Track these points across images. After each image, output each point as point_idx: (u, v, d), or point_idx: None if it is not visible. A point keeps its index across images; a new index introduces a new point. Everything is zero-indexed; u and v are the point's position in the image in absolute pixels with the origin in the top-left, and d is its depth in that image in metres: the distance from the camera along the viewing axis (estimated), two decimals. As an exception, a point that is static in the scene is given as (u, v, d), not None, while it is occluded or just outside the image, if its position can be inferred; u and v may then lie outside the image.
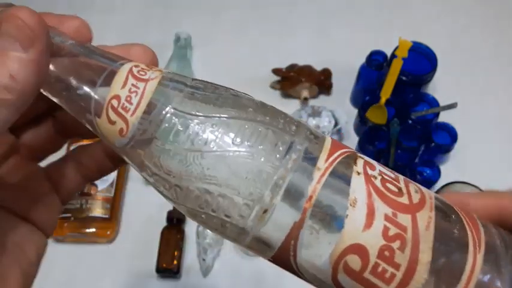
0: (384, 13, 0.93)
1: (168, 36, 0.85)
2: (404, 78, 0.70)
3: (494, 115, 0.80)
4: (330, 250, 0.19)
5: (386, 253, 0.18)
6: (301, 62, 0.82)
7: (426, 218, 0.19)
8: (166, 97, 0.20)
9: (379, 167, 0.20)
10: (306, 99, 0.80)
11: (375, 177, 0.19)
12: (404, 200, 0.19)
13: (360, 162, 0.20)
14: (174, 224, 0.68)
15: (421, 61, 0.73)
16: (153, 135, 0.19)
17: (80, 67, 0.20)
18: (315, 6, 0.95)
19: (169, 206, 0.69)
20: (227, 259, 0.67)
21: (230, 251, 0.68)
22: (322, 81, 0.81)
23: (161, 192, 0.20)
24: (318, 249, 0.19)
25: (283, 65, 0.83)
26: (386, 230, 0.18)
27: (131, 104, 0.19)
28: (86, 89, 0.20)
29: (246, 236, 0.20)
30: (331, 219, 0.19)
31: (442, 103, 0.72)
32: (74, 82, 0.20)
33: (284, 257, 0.20)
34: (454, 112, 0.70)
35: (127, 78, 0.19)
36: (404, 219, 0.19)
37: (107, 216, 0.68)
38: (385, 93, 0.70)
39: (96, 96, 0.20)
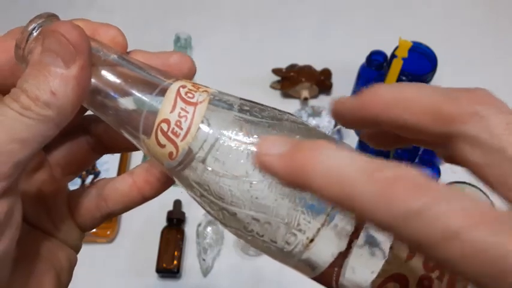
0: (384, 13, 0.93)
1: (168, 36, 0.85)
2: (404, 78, 0.70)
3: (494, 115, 0.80)
4: (372, 278, 0.19)
5: (426, 282, 0.19)
6: (301, 62, 0.82)
7: None
8: (215, 122, 0.19)
9: None
10: (306, 99, 0.80)
11: None
12: None
13: None
14: (174, 224, 0.68)
15: (421, 61, 0.73)
16: (203, 160, 0.19)
17: (126, 83, 0.20)
18: (315, 6, 0.95)
19: (170, 206, 0.69)
20: (227, 259, 0.67)
21: (230, 251, 0.68)
22: (322, 81, 0.81)
23: (208, 212, 0.21)
24: (361, 276, 0.19)
25: (283, 65, 0.83)
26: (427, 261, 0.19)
27: (181, 129, 0.19)
28: (134, 106, 0.20)
29: (291, 259, 0.20)
30: (375, 250, 0.19)
31: (442, 103, 0.72)
32: (120, 99, 0.20)
33: (326, 279, 0.20)
34: (454, 112, 0.70)
35: (175, 102, 0.19)
36: None
37: (107, 216, 0.68)
38: (385, 93, 0.70)
39: (145, 116, 0.20)
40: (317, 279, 0.20)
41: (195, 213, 0.70)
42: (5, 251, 0.17)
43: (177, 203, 0.70)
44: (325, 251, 0.19)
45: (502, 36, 0.90)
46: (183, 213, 0.69)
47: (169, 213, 0.69)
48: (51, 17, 0.19)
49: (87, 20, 0.21)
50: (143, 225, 0.70)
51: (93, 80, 0.19)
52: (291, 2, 0.96)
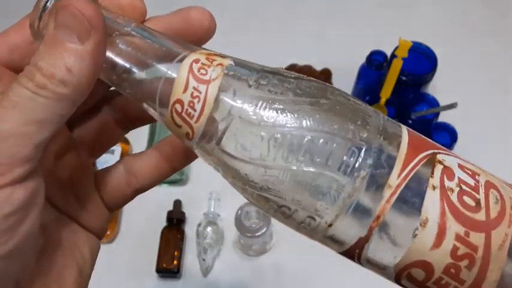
0: (384, 13, 0.93)
1: (168, 36, 0.85)
2: (404, 78, 0.70)
3: (494, 115, 0.80)
4: (395, 262, 0.19)
5: (452, 270, 0.18)
6: (301, 62, 0.82)
7: (502, 236, 0.18)
8: (229, 101, 0.19)
9: (458, 172, 0.19)
10: (306, 99, 0.80)
11: (452, 191, 0.18)
12: (481, 216, 0.18)
13: (438, 171, 0.19)
14: (174, 224, 0.68)
15: (421, 61, 0.73)
16: (218, 141, 0.19)
17: (140, 56, 0.19)
18: (315, 6, 0.95)
19: (170, 206, 0.69)
20: (227, 259, 0.67)
21: (230, 251, 0.68)
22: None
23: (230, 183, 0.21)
24: (382, 259, 0.19)
25: (283, 65, 0.83)
26: (455, 249, 0.18)
27: (195, 110, 0.19)
28: (149, 80, 0.19)
29: (312, 236, 0.20)
30: (398, 237, 0.18)
31: (442, 103, 0.72)
32: (135, 72, 0.19)
33: (349, 256, 0.20)
34: (454, 112, 0.70)
35: (188, 81, 0.19)
36: (477, 238, 0.18)
37: (107, 216, 0.68)
38: (385, 93, 0.70)
39: (160, 91, 0.19)
40: (341, 253, 0.20)
41: (195, 213, 0.70)
42: (30, 232, 0.17)
43: (177, 203, 0.70)
44: (345, 234, 0.19)
45: (502, 36, 0.90)
46: (183, 213, 0.69)
47: (169, 213, 0.69)
48: None
49: None
50: (143, 225, 0.70)
51: (108, 53, 0.19)
52: (291, 2, 0.96)
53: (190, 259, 0.67)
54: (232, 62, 0.20)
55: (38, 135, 0.17)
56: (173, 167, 0.24)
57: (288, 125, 0.18)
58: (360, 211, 0.18)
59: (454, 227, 0.18)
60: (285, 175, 0.18)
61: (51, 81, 0.16)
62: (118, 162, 0.25)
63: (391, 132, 0.19)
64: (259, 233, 0.63)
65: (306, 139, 0.18)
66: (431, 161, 0.19)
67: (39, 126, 0.17)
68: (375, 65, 0.75)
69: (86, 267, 0.22)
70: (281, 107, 0.19)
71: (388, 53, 0.73)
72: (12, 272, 0.18)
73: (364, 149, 0.18)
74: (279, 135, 0.18)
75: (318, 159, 0.18)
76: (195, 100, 0.19)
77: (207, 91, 0.19)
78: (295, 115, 0.19)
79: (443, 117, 0.73)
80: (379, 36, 0.81)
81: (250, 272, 0.67)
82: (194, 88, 0.19)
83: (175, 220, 0.68)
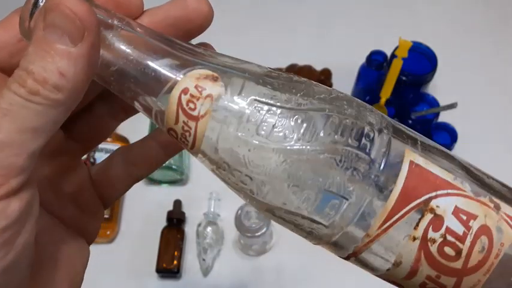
0: (384, 13, 0.93)
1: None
2: (404, 78, 0.70)
3: (494, 115, 0.80)
4: (378, 274, 0.20)
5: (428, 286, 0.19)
6: (301, 62, 0.82)
7: (474, 282, 0.19)
8: (214, 143, 0.19)
9: (449, 220, 0.19)
10: (306, 99, 0.80)
11: (434, 241, 0.19)
12: (457, 264, 0.19)
13: (424, 222, 0.18)
14: (174, 224, 0.68)
15: (421, 61, 0.73)
16: (212, 169, 0.19)
17: (133, 60, 0.18)
18: (315, 6, 0.95)
19: (170, 206, 0.69)
20: (227, 259, 0.67)
21: (230, 251, 0.68)
22: (322, 81, 0.80)
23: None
24: (376, 265, 0.20)
25: (283, 65, 0.83)
26: (424, 284, 0.19)
27: (188, 140, 0.19)
28: (147, 97, 0.19)
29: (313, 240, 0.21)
30: (376, 266, 0.20)
31: (442, 103, 0.72)
32: (130, 76, 0.18)
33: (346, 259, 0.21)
34: (454, 112, 0.70)
35: (178, 114, 0.18)
36: (448, 280, 0.19)
37: (106, 216, 0.68)
38: (385, 93, 0.70)
39: (155, 114, 0.19)
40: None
41: (195, 213, 0.70)
42: (26, 243, 0.17)
43: (177, 203, 0.70)
44: (343, 246, 0.20)
45: (501, 36, 0.90)
46: (183, 213, 0.69)
47: (169, 213, 0.69)
48: None
49: None
50: (143, 225, 0.70)
51: (102, 53, 0.18)
52: (291, 2, 0.96)
53: (190, 259, 0.67)
54: (222, 90, 0.19)
55: (32, 143, 0.16)
56: (169, 155, 0.24)
57: (272, 174, 0.18)
58: (339, 246, 0.20)
59: (425, 271, 0.19)
60: (280, 197, 0.19)
61: (44, 86, 0.15)
62: (114, 154, 0.24)
63: (384, 180, 0.19)
64: (259, 233, 0.63)
65: (286, 188, 0.19)
66: (421, 211, 0.18)
67: (33, 134, 0.16)
68: (375, 65, 0.75)
69: (77, 280, 0.22)
70: (275, 141, 0.18)
71: (388, 53, 0.73)
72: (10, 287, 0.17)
73: (346, 203, 0.19)
74: (263, 179, 0.19)
75: (301, 206, 0.19)
76: (187, 134, 0.19)
77: (196, 129, 0.18)
78: (281, 159, 0.18)
79: (443, 117, 0.73)
80: (379, 36, 0.81)
81: (250, 272, 0.67)
82: (184, 123, 0.19)
83: (175, 220, 0.68)
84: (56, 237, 0.21)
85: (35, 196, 0.17)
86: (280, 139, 0.18)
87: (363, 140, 0.18)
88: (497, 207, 0.19)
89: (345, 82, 0.81)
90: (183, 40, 0.20)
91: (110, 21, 0.18)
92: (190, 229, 0.69)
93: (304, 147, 0.18)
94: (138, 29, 0.19)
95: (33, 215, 0.17)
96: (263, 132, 0.18)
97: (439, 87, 0.78)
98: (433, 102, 0.73)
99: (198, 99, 0.18)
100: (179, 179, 0.72)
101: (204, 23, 0.21)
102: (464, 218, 0.19)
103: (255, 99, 0.19)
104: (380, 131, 0.19)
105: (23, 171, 0.16)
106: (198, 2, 0.20)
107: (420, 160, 0.19)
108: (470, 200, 0.19)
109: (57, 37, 0.16)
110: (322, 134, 0.18)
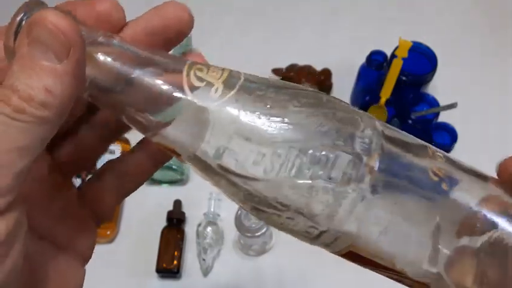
0: (384, 13, 0.93)
1: (168, 36, 0.85)
2: (404, 78, 0.70)
3: (494, 115, 0.80)
4: None
5: None
6: (301, 62, 0.82)
7: None
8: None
9: None
10: (306, 99, 0.80)
11: None
12: None
13: None
14: (174, 224, 0.68)
15: (421, 61, 0.73)
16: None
17: (119, 76, 0.18)
18: (315, 6, 0.95)
19: (170, 206, 0.69)
20: (227, 259, 0.67)
21: (230, 251, 0.68)
22: (322, 81, 0.81)
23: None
24: None
25: (283, 65, 0.83)
26: None
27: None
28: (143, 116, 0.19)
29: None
30: None
31: (442, 103, 0.72)
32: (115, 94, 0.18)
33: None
34: (454, 112, 0.70)
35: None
36: None
37: (107, 216, 0.68)
38: (385, 93, 0.70)
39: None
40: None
41: (195, 213, 0.70)
42: (15, 265, 0.16)
43: (177, 203, 0.70)
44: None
45: (501, 36, 0.90)
46: (183, 213, 0.69)
47: (169, 213, 0.69)
48: (41, 5, 0.17)
49: (73, 2, 0.19)
50: (143, 225, 0.70)
51: (87, 70, 0.18)
52: (291, 2, 0.96)
53: (190, 259, 0.67)
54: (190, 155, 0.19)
55: (19, 163, 0.15)
56: (156, 165, 0.24)
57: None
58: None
59: None
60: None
61: (30, 104, 0.15)
62: (103, 168, 0.24)
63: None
64: (259, 233, 0.63)
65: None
66: None
67: (19, 153, 0.15)
68: (375, 65, 0.75)
69: None
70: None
71: (388, 53, 0.73)
72: None
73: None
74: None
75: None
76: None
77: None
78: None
79: (443, 117, 0.73)
80: (379, 36, 0.81)
81: (250, 272, 0.67)
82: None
83: (175, 220, 0.68)
84: (47, 258, 0.21)
85: (22, 216, 0.17)
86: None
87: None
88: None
89: (345, 82, 0.81)
90: (166, 51, 0.20)
91: (93, 37, 0.18)
92: (190, 229, 0.69)
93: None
94: (122, 43, 0.19)
95: (21, 236, 0.17)
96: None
97: (439, 87, 0.78)
98: (433, 102, 0.73)
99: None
100: (179, 179, 0.72)
101: (184, 30, 0.21)
102: None
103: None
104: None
105: (10, 192, 0.15)
106: (177, 9, 0.20)
107: None
108: None
109: (42, 53, 0.15)
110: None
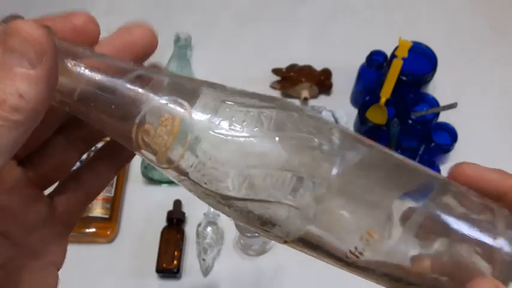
0: (384, 13, 0.93)
1: (168, 36, 0.85)
2: (404, 78, 0.70)
3: (494, 115, 0.80)
4: None
5: None
6: (301, 62, 0.82)
7: None
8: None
9: None
10: (306, 99, 0.80)
11: None
12: None
13: None
14: (174, 224, 0.68)
15: (421, 61, 0.73)
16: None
17: (95, 81, 0.19)
18: (315, 6, 0.95)
19: (170, 206, 0.69)
20: (227, 259, 0.67)
21: (230, 251, 0.68)
22: (322, 81, 0.81)
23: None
24: None
25: (283, 65, 0.83)
26: None
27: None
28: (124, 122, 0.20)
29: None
30: None
31: (442, 103, 0.72)
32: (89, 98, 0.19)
33: None
34: (454, 112, 0.70)
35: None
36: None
37: (106, 216, 0.68)
38: (385, 93, 0.70)
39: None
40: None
41: (195, 213, 0.70)
42: None
43: (177, 203, 0.70)
44: None
45: (501, 36, 0.90)
46: (183, 213, 0.69)
47: (169, 213, 0.69)
48: (17, 18, 0.18)
49: (52, 17, 0.20)
50: (143, 225, 0.70)
51: (61, 79, 0.18)
52: (291, 2, 0.96)
53: (190, 259, 0.67)
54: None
55: None
56: (116, 171, 0.25)
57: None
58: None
59: None
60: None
61: (2, 108, 0.16)
62: (66, 179, 0.24)
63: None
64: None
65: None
66: None
67: None
68: (375, 65, 0.75)
69: None
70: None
71: (388, 53, 0.73)
72: None
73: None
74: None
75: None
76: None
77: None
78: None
79: (443, 117, 0.73)
80: (379, 36, 0.82)
81: (250, 272, 0.67)
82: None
83: (175, 220, 0.68)
84: (21, 264, 0.21)
85: None
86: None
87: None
88: None
89: (345, 82, 0.81)
90: (136, 63, 0.21)
91: (69, 49, 0.19)
92: (190, 229, 0.69)
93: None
94: (96, 54, 0.20)
95: None
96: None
97: (439, 87, 0.78)
98: (433, 102, 0.73)
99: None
100: (179, 179, 0.72)
101: (149, 48, 0.22)
102: None
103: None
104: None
105: None
106: (142, 30, 0.22)
107: None
108: None
109: (17, 60, 0.16)
110: None
